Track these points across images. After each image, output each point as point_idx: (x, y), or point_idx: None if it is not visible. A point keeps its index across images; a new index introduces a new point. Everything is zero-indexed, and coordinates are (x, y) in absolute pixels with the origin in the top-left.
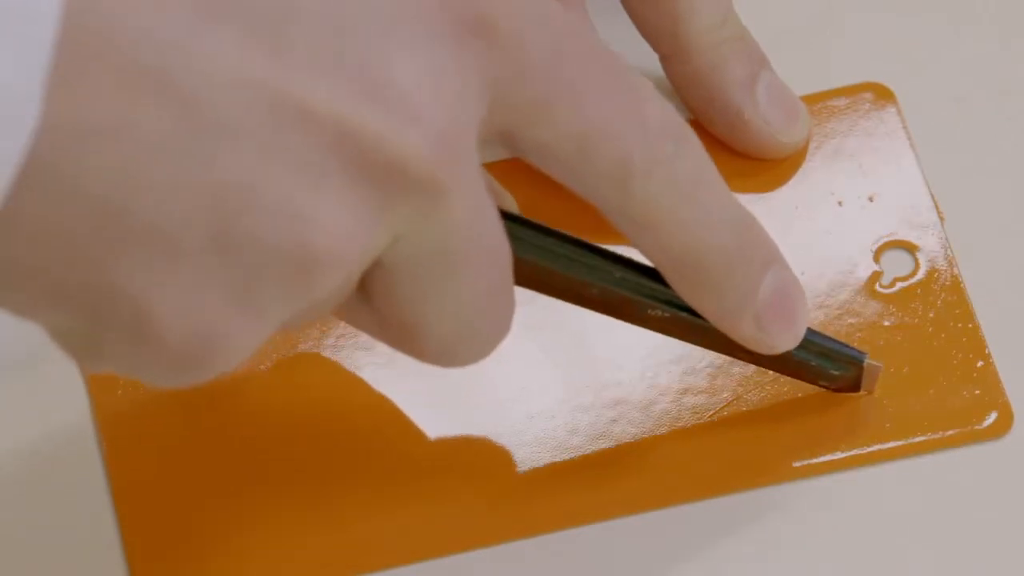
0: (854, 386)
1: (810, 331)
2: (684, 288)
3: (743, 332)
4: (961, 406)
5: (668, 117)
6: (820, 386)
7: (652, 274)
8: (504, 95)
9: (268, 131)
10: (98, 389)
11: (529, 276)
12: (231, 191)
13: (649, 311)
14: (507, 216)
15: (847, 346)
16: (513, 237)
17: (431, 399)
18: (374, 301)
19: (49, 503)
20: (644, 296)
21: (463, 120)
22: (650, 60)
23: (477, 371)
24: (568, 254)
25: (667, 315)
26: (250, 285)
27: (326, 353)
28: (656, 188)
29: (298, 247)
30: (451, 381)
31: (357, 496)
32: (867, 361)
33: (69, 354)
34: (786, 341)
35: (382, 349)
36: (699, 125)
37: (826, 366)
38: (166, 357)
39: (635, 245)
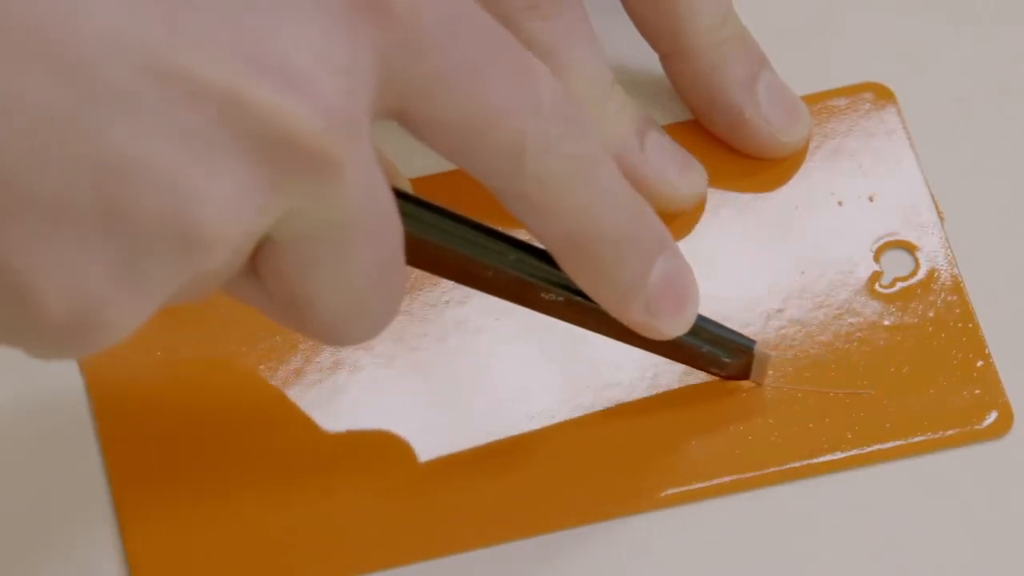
0: (744, 374)
1: (701, 318)
2: (576, 271)
3: (633, 317)
4: (961, 406)
5: (563, 100)
6: (711, 373)
7: (548, 258)
8: (399, 71)
9: (157, 103)
10: (93, 375)
11: (423, 256)
12: (117, 163)
13: (543, 295)
14: (401, 195)
15: (737, 333)
16: (407, 215)
17: (431, 399)
18: (264, 276)
19: (45, 489)
20: (538, 279)
21: (356, 96)
22: (650, 60)
23: (477, 371)
24: (462, 234)
25: (561, 299)
26: (134, 259)
27: (326, 352)
28: (548, 169)
29: (184, 222)
30: (451, 381)
31: (357, 494)
32: (757, 349)
33: None
34: (676, 327)
35: (382, 349)
36: (700, 124)
37: (717, 353)
38: (47, 329)
39: (527, 226)
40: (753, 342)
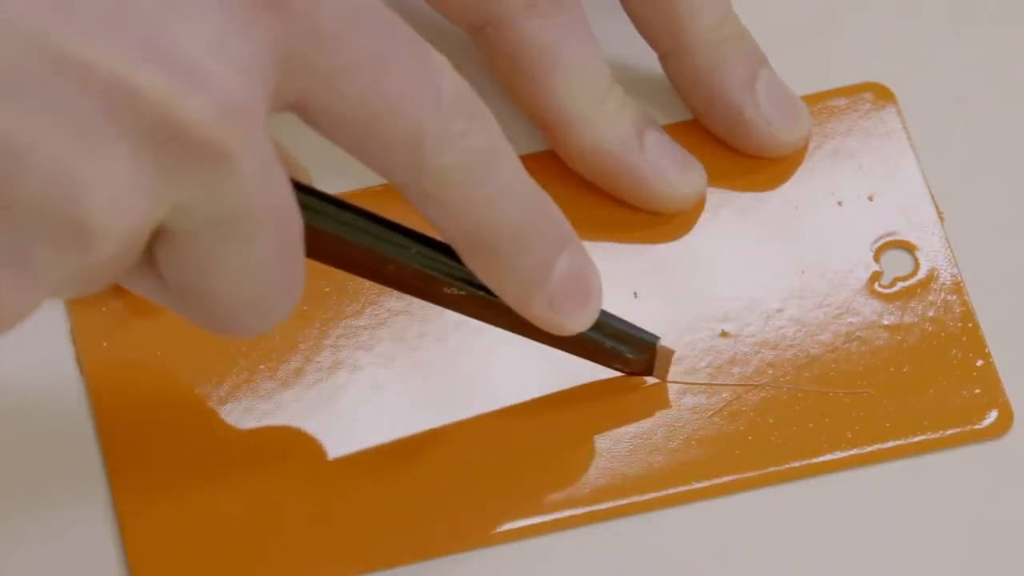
0: (647, 370)
1: (604, 313)
2: (478, 265)
3: (536, 312)
4: (961, 405)
5: (462, 93)
6: (615, 369)
7: (451, 252)
8: (297, 64)
9: (45, 88)
10: (93, 375)
11: (324, 248)
12: (2, 147)
13: (445, 289)
14: (301, 187)
15: (640, 329)
16: (307, 208)
17: (431, 399)
18: (159, 267)
19: (44, 487)
20: (440, 273)
21: (251, 87)
22: (650, 60)
23: (477, 371)
24: (362, 226)
25: (463, 293)
26: (20, 247)
27: (326, 352)
28: (448, 163)
29: (71, 210)
30: (451, 381)
31: (356, 494)
32: (659, 344)
33: None
34: (579, 322)
35: (382, 349)
36: (700, 124)
37: (620, 349)
38: None
39: (429, 220)
40: (656, 337)
